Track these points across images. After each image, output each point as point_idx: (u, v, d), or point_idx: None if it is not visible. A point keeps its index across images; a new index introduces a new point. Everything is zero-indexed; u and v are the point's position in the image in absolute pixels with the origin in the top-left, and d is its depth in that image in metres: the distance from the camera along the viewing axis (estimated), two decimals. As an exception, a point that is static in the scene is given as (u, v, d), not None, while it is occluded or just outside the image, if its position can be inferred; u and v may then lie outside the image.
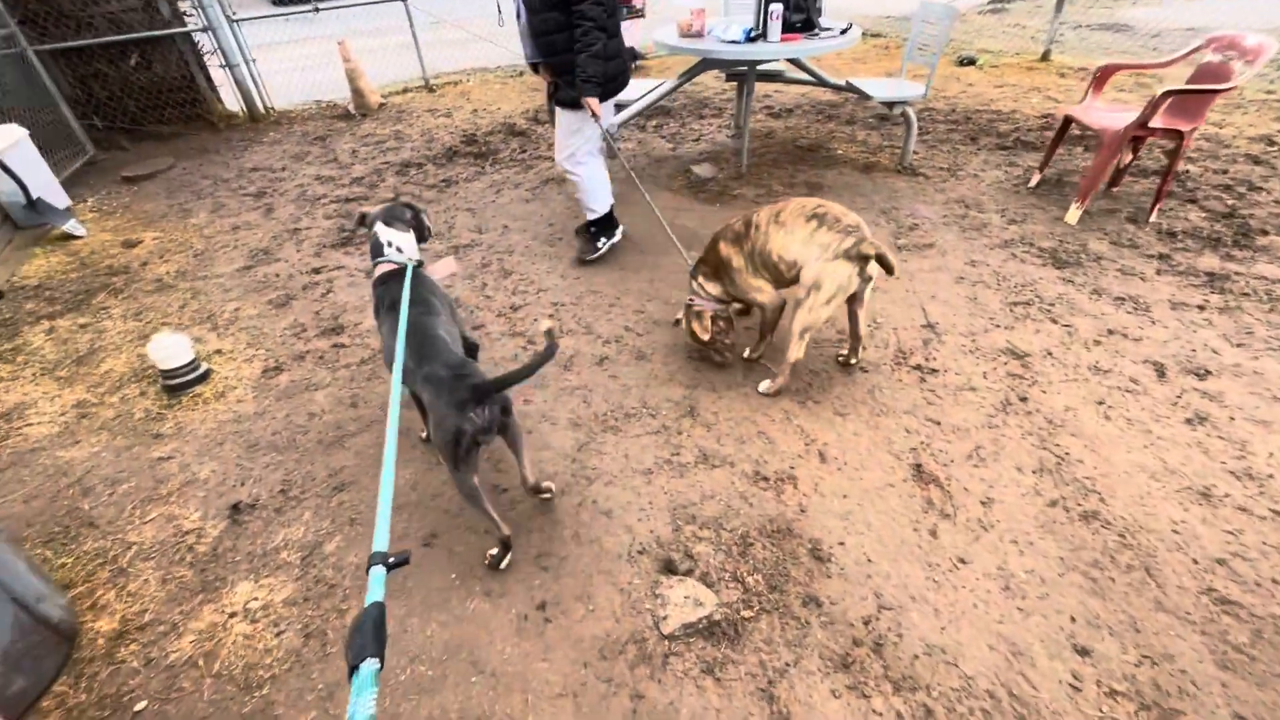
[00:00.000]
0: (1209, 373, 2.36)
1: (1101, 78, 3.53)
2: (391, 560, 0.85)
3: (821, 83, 4.26)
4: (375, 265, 1.92)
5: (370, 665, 0.67)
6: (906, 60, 4.17)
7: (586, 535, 1.90)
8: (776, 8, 3.33)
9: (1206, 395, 2.27)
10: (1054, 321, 2.70)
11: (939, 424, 2.23)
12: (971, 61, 6.53)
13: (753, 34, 3.46)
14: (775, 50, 3.40)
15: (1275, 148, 4.09)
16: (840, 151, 4.56)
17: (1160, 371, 2.39)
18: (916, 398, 2.34)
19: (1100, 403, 2.27)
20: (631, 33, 6.92)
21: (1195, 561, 1.72)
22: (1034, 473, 2.02)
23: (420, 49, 6.88)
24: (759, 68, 4.18)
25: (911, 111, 4.00)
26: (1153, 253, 3.10)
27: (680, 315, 2.51)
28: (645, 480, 2.07)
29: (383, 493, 0.97)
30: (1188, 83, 3.21)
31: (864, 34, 7.85)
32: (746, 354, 2.57)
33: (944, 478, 2.02)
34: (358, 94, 6.27)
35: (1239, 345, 2.49)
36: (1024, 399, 2.31)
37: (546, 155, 4.88)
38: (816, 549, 1.83)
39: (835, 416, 2.29)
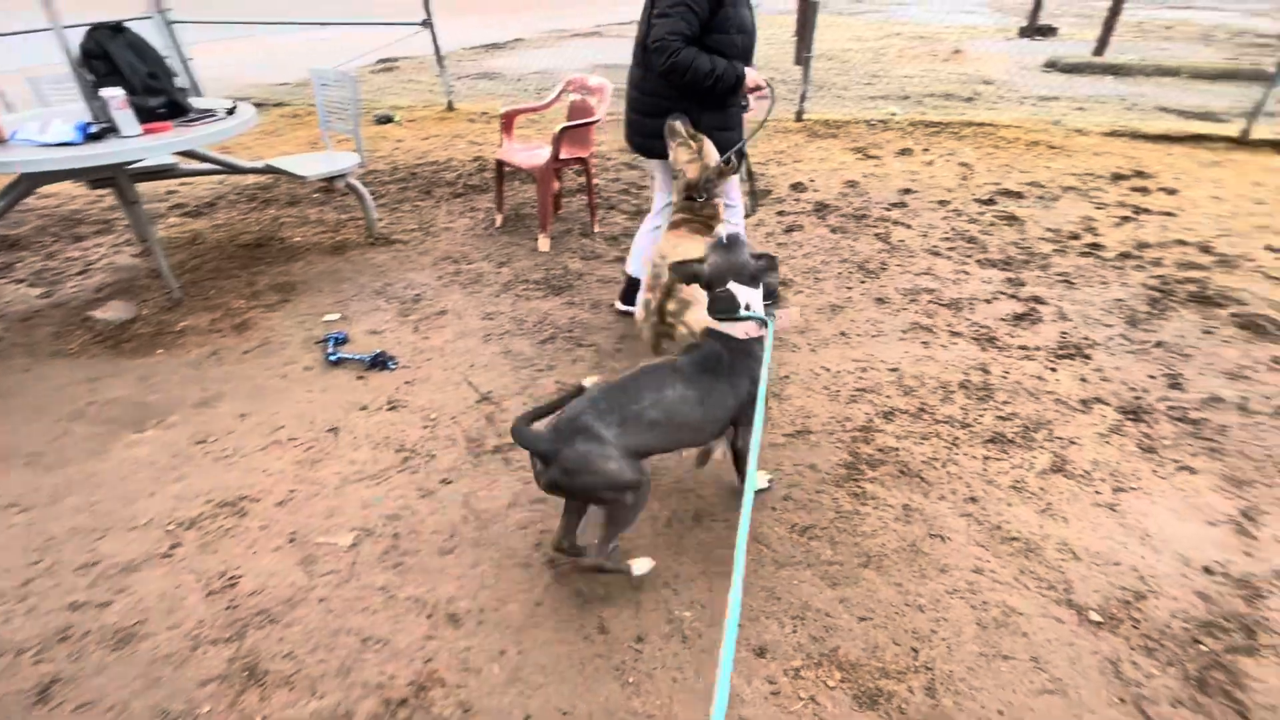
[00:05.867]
0: (694, 342, 2.88)
1: (507, 123, 3.93)
2: None
3: (235, 169, 3.55)
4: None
5: None
6: (324, 130, 3.83)
7: None
8: (114, 94, 2.48)
9: (703, 361, 2.75)
10: (580, 345, 2.88)
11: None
12: (389, 119, 6.65)
13: (93, 130, 2.53)
14: (140, 148, 2.57)
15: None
16: (298, 239, 3.96)
17: (668, 356, 2.79)
18: (516, 489, 2.13)
19: (648, 405, 2.50)
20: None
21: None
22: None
23: None
24: (131, 168, 3.16)
25: (356, 181, 3.71)
26: (611, 258, 3.66)
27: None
28: None
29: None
30: (568, 119, 3.84)
31: (263, 106, 7.14)
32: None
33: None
34: None
35: (697, 311, 3.13)
36: (597, 432, 2.36)
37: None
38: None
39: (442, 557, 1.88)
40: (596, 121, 3.61)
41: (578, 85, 3.82)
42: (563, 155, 3.59)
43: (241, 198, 4.71)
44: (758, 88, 2.38)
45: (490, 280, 3.45)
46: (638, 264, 2.85)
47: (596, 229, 3.97)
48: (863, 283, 3.34)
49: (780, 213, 4.17)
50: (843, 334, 2.92)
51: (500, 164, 3.84)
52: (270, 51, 10.79)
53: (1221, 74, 7.48)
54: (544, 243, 3.72)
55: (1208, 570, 1.82)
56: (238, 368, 2.75)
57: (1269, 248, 3.56)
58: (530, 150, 3.81)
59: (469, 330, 3.01)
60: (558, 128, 3.46)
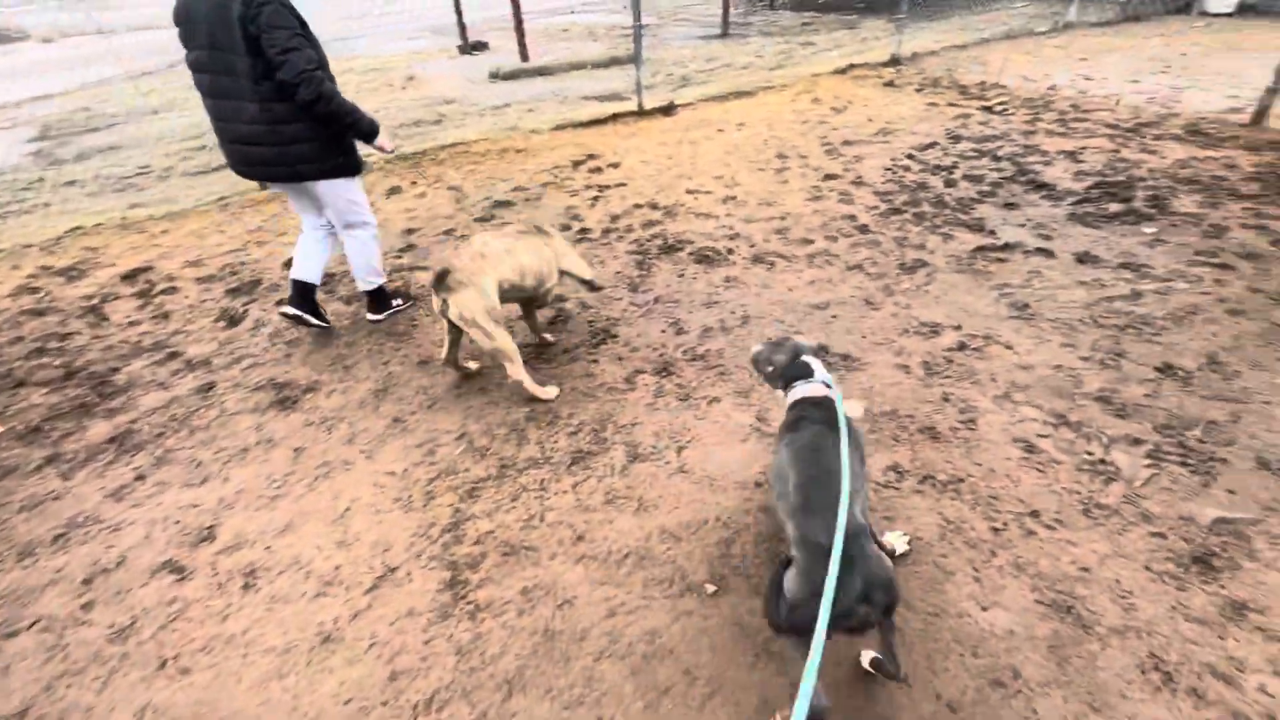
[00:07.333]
0: (213, 528, 2.13)
1: None
2: None
3: None
4: (791, 389, 1.75)
5: None
6: None
7: None
8: None
9: (233, 549, 2.04)
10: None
11: None
12: None
13: None
14: None
15: (41, 292, 3.86)
16: None
17: (179, 571, 1.99)
18: None
19: (162, 661, 1.71)
20: None
21: None
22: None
23: None
24: None
25: None
26: (38, 463, 2.47)
27: None
28: None
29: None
30: None
31: None
32: None
33: None
34: None
35: (202, 486, 2.33)
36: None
37: None
38: None
39: None
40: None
41: None
42: None
43: None
44: (382, 148, 2.80)
45: None
46: (308, 268, 2.96)
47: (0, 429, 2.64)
48: (398, 350, 3.00)
49: (280, 301, 3.47)
50: (396, 420, 2.55)
51: None
52: None
53: (611, 61, 9.42)
54: (-115, 498, 2.28)
55: (758, 484, 2.13)
56: None
57: (689, 191, 4.54)
58: None
59: None
60: None
